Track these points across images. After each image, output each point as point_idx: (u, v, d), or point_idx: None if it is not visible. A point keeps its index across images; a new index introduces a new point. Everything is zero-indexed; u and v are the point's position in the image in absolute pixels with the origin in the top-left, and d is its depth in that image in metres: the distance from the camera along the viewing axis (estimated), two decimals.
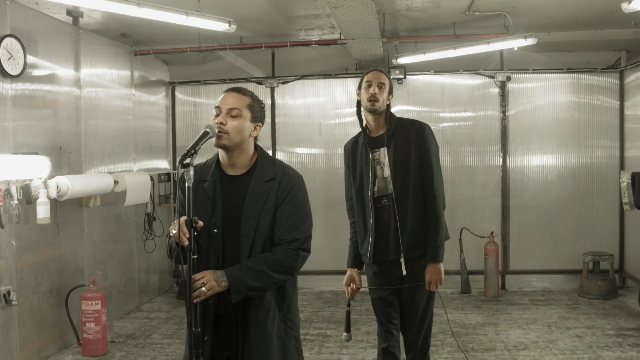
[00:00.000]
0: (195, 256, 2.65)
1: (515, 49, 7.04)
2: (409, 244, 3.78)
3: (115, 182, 6.47)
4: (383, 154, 3.80)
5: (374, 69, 3.94)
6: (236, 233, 2.82)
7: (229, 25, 5.41)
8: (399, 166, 3.77)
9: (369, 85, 3.79)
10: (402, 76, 8.07)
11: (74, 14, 6.19)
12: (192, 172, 2.64)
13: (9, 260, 5.21)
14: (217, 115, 2.83)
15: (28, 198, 5.26)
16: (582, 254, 7.81)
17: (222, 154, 2.90)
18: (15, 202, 5.15)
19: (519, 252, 8.31)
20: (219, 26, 5.43)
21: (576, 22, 7.07)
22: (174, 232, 2.66)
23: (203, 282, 2.65)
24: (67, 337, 6.00)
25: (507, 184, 8.27)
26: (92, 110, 6.56)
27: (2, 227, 5.06)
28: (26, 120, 5.47)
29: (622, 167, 8.00)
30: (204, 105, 8.76)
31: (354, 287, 4.00)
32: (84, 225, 6.36)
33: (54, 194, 5.45)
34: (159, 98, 8.34)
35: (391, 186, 3.77)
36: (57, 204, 5.76)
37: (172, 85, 8.60)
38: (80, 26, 6.37)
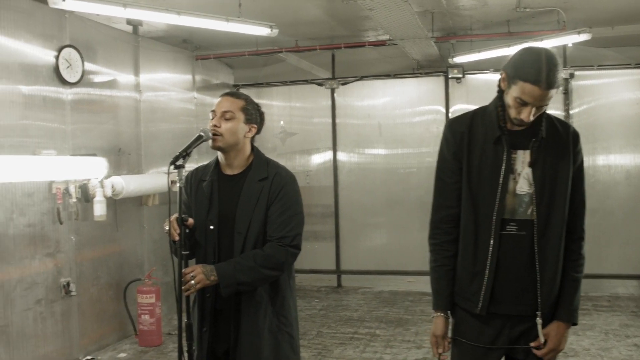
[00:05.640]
0: (187, 252, 2.84)
1: (570, 45, 6.80)
2: (549, 296, 2.58)
3: (173, 182, 6.74)
4: (522, 160, 2.57)
5: (540, 82, 2.35)
6: (231, 230, 2.96)
7: (271, 30, 5.55)
8: (547, 183, 2.55)
9: (523, 104, 2.43)
10: (460, 75, 8.01)
11: (133, 23, 6.55)
12: (183, 173, 2.85)
13: (68, 254, 5.61)
14: (212, 119, 3.00)
15: (86, 197, 5.63)
16: None
17: (220, 155, 3.08)
18: (74, 200, 5.53)
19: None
20: (260, 31, 5.58)
21: None
22: (167, 228, 2.85)
23: (192, 276, 2.81)
24: (126, 328, 6.35)
25: None
26: (152, 113, 6.90)
27: (61, 224, 5.46)
28: (85, 123, 5.85)
29: None
30: (267, 107, 8.88)
31: (447, 345, 2.72)
32: (143, 222, 6.71)
33: (109, 193, 5.80)
34: None
35: (531, 209, 2.55)
36: (116, 203, 6.11)
37: (236, 88, 8.87)
38: (140, 34, 6.73)
